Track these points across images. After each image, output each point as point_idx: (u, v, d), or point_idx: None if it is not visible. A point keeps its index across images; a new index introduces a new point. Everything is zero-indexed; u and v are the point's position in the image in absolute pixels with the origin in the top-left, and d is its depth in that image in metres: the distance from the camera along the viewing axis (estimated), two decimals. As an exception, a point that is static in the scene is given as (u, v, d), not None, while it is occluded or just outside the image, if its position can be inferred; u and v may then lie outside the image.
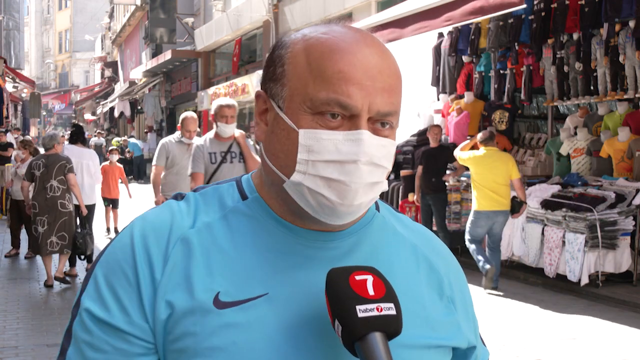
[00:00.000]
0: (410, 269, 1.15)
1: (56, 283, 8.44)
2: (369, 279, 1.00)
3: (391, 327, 0.98)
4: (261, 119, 1.11)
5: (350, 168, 1.02)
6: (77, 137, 9.62)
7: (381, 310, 0.97)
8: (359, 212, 1.07)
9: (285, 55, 1.08)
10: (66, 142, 9.77)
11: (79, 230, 8.65)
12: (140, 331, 1.03)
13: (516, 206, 8.18)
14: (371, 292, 0.99)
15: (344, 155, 1.02)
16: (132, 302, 1.04)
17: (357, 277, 1.00)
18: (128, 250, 1.06)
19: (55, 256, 8.65)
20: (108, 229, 12.63)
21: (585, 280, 8.07)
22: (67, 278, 8.59)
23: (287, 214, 1.10)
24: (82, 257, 8.82)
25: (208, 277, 1.05)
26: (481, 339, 1.27)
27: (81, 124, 50.57)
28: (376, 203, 1.20)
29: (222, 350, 1.01)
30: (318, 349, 1.04)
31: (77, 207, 8.62)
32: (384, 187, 1.07)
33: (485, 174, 8.11)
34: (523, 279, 8.99)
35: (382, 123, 1.05)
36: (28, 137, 12.49)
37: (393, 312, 0.98)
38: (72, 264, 8.95)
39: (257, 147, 6.39)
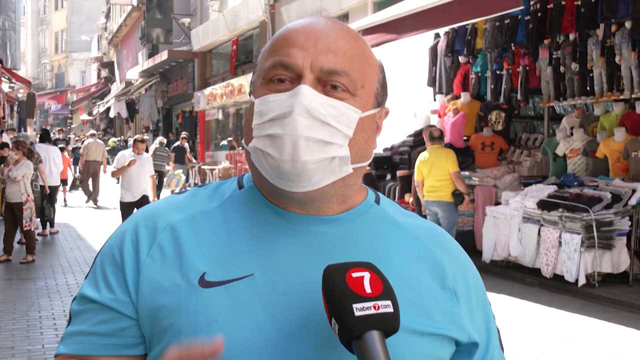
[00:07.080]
0: (409, 259, 1.14)
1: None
2: (366, 275, 0.98)
3: (389, 325, 0.96)
4: None
5: (286, 121, 1.04)
6: (45, 138, 13.90)
7: (378, 308, 0.96)
8: (308, 173, 1.05)
9: (260, 56, 1.16)
10: (37, 141, 13.04)
11: (44, 203, 12.16)
12: (123, 306, 1.09)
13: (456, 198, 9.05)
14: (368, 289, 0.97)
15: (282, 109, 1.05)
16: (117, 281, 1.11)
17: (354, 275, 0.98)
18: (120, 236, 1.15)
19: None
20: (65, 200, 17.86)
21: (582, 281, 8.07)
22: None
23: (277, 200, 1.12)
24: (48, 223, 12.71)
25: (196, 259, 1.09)
26: (501, 345, 1.24)
27: (75, 125, 50.45)
28: (377, 196, 1.21)
29: (205, 327, 1.04)
30: (299, 328, 1.05)
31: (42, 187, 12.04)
32: (341, 152, 1.06)
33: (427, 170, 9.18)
34: (520, 280, 9.00)
35: (333, 86, 1.07)
36: (21, 137, 13.25)
37: (390, 309, 0.97)
38: (44, 226, 12.71)
39: None
